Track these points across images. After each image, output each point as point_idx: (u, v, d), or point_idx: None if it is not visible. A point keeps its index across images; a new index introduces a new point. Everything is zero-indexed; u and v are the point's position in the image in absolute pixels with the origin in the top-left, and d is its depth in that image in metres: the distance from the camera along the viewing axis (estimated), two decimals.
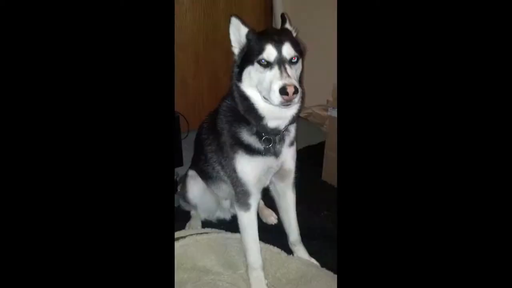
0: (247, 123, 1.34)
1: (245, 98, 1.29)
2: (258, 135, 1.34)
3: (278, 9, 2.99)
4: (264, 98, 1.23)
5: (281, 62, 1.18)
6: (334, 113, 2.16)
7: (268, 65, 1.19)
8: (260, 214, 1.90)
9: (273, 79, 1.17)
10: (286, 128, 1.37)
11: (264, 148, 1.35)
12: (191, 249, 1.58)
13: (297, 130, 1.47)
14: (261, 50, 1.20)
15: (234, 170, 1.39)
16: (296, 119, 1.37)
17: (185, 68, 2.88)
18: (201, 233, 1.69)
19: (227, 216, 1.88)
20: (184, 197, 1.81)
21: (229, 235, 1.70)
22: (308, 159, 2.39)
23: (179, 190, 1.91)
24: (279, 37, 1.22)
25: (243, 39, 1.29)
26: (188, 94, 2.95)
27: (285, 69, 1.17)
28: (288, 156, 1.45)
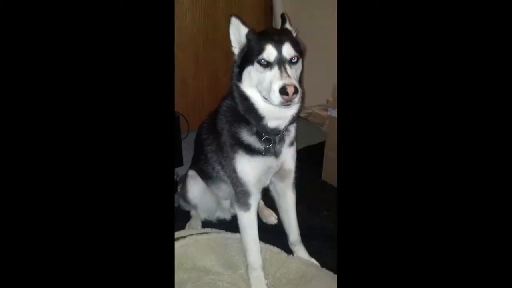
0: (247, 123, 1.34)
1: (245, 98, 1.29)
2: (258, 135, 1.34)
3: (278, 9, 2.99)
4: (264, 98, 1.23)
5: (281, 62, 1.18)
6: (334, 113, 2.16)
7: (268, 65, 1.19)
8: (260, 214, 1.90)
9: (273, 79, 1.17)
10: (286, 128, 1.37)
11: (264, 148, 1.35)
12: (191, 249, 1.58)
13: (297, 130, 1.46)
14: (261, 50, 1.20)
15: (234, 170, 1.39)
16: (296, 119, 1.37)
17: (185, 68, 2.88)
18: (201, 233, 1.69)
19: (227, 216, 1.88)
20: (184, 197, 1.81)
21: (229, 235, 1.70)
22: (308, 159, 2.39)
23: (179, 190, 1.91)
24: (279, 37, 1.22)
25: (243, 39, 1.29)
26: (188, 94, 2.95)
27: (285, 69, 1.17)
28: (288, 156, 1.45)
